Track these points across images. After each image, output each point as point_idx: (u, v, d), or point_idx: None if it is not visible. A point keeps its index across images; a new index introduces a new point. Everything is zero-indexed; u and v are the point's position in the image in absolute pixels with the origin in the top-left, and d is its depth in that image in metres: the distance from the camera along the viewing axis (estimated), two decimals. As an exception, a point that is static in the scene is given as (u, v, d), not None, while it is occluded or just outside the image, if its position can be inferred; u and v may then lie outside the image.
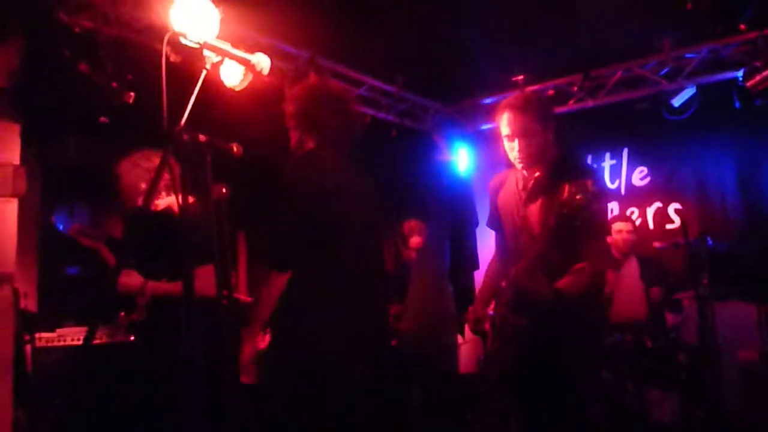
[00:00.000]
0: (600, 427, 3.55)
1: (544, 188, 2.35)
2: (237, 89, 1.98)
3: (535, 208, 2.35)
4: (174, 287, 2.53)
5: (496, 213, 2.61)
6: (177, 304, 2.45)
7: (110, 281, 2.18)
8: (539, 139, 2.35)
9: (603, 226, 2.49)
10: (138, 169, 2.69)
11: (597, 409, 3.56)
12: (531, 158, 2.37)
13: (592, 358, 2.42)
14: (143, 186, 2.68)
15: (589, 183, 2.08)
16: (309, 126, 2.24)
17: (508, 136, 2.38)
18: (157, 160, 2.68)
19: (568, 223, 2.08)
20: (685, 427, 3.64)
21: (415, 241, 4.63)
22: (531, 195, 2.39)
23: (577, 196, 2.04)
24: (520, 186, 2.45)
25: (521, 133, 2.34)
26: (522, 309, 2.26)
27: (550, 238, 2.14)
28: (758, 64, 4.09)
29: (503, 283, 2.40)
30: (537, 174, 2.40)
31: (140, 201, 2.70)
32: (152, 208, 2.65)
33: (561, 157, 2.43)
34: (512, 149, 2.39)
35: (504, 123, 2.39)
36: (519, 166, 2.43)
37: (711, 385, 3.68)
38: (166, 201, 2.75)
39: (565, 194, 2.10)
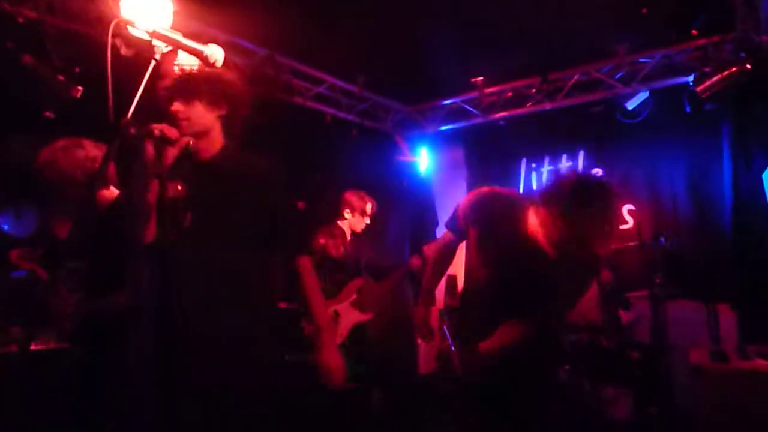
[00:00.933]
0: (558, 424, 3.59)
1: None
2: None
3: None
4: (110, 303, 2.40)
5: (485, 232, 2.34)
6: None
7: (44, 295, 2.06)
8: None
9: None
10: (71, 158, 2.49)
11: (555, 407, 3.60)
12: None
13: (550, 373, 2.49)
14: (78, 175, 2.49)
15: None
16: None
17: None
18: (91, 150, 2.52)
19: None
20: (640, 424, 3.72)
21: (368, 207, 4.41)
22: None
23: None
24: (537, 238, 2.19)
25: None
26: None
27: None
28: (708, 69, 4.22)
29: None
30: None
31: (74, 192, 2.52)
32: (96, 201, 2.52)
33: None
34: None
35: None
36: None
37: (663, 382, 3.76)
38: (110, 194, 2.63)
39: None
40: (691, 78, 4.42)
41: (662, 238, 4.04)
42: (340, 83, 5.17)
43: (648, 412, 3.70)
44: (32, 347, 3.28)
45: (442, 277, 2.63)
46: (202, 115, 1.94)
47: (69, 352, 2.82)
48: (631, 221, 5.19)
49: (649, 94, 4.86)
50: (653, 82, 4.80)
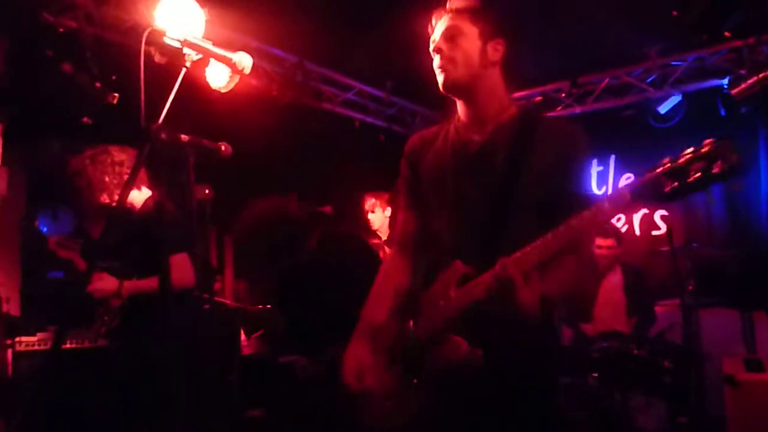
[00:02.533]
0: (585, 433, 3.55)
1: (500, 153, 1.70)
2: (223, 91, 1.96)
3: (483, 179, 1.71)
4: (149, 283, 2.52)
5: (414, 183, 1.88)
6: (153, 304, 2.44)
7: (80, 288, 2.15)
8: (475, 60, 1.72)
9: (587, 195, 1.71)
10: (99, 164, 2.64)
11: (582, 415, 3.56)
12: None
13: (550, 390, 1.71)
14: (107, 180, 2.63)
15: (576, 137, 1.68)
16: None
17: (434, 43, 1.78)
18: (117, 155, 2.65)
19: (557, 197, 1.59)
20: (670, 433, 3.65)
21: (388, 210, 4.33)
22: (474, 162, 1.73)
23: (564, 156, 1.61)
24: (455, 147, 1.79)
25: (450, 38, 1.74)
26: (497, 328, 1.52)
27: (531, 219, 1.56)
28: (743, 72, 4.13)
29: (453, 293, 1.60)
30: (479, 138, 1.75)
31: (104, 196, 2.65)
32: (127, 203, 2.62)
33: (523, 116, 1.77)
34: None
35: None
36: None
37: (695, 391, 3.68)
38: (141, 196, 2.73)
39: (543, 157, 1.61)
40: (725, 81, 4.34)
41: (694, 244, 3.96)
42: (368, 89, 5.22)
43: (679, 421, 3.62)
44: (67, 345, 3.41)
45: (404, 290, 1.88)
46: None
47: (107, 348, 2.92)
48: (663, 227, 5.10)
49: (682, 97, 4.77)
50: (686, 85, 4.72)
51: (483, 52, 1.71)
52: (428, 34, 1.80)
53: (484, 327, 1.53)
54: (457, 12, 1.73)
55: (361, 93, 5.24)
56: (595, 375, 3.64)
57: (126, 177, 2.58)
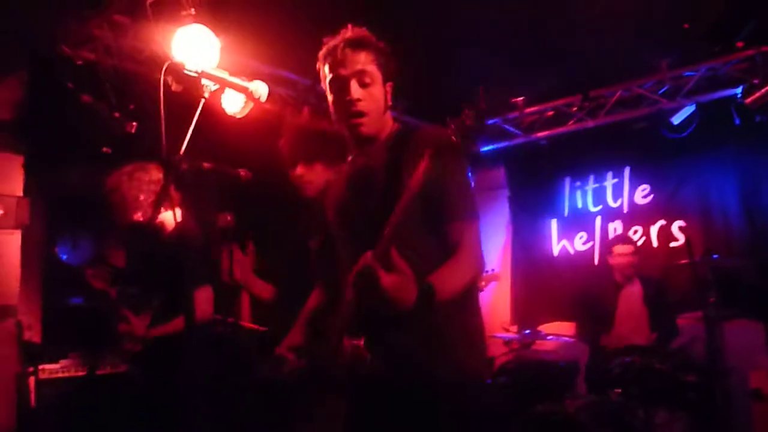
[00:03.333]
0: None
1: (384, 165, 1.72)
2: (238, 117, 2.00)
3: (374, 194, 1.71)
4: (174, 325, 2.52)
5: (323, 222, 1.94)
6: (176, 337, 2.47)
7: (110, 323, 2.19)
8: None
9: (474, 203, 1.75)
10: (135, 181, 2.66)
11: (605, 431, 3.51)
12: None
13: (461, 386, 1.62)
14: (142, 198, 2.65)
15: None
16: None
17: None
18: (154, 173, 2.67)
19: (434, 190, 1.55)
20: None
21: None
22: (357, 183, 1.77)
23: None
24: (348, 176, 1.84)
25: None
26: (373, 320, 1.49)
27: (409, 209, 1.49)
28: (756, 80, 4.11)
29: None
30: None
31: (138, 214, 2.66)
32: (157, 222, 2.64)
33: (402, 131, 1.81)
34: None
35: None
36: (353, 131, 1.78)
37: (720, 406, 3.61)
38: (172, 217, 2.75)
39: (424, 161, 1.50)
40: (739, 90, 4.32)
41: (715, 255, 3.91)
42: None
43: (705, 437, 3.56)
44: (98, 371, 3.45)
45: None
46: (321, 174, 2.21)
47: (128, 374, 2.95)
48: (681, 238, 5.05)
49: (696, 107, 4.75)
50: (699, 95, 4.70)
51: (385, 98, 1.75)
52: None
53: (371, 325, 1.52)
54: (366, 54, 1.71)
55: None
56: (618, 391, 3.59)
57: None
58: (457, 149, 1.62)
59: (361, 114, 1.68)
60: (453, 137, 1.60)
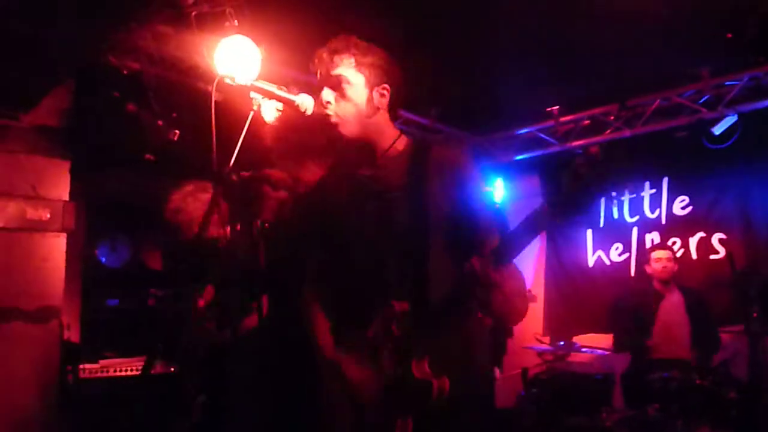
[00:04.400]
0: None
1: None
2: (271, 123, 2.04)
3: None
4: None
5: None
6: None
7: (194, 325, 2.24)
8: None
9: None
10: (199, 201, 2.78)
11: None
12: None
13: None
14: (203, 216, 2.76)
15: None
16: None
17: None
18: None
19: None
20: (738, 467, 3.48)
21: None
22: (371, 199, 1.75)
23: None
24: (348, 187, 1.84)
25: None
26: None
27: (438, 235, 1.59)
28: (802, 90, 4.01)
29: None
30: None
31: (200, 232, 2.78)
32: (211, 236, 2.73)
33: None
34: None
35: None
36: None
37: (763, 423, 3.52)
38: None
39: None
40: (783, 100, 4.22)
41: (758, 268, 3.81)
42: (413, 117, 5.27)
43: (747, 455, 3.46)
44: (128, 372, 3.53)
45: None
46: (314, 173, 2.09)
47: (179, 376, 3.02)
48: (722, 251, 4.94)
49: (738, 117, 4.64)
50: (741, 105, 4.59)
51: (370, 100, 1.75)
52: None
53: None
54: (341, 58, 1.73)
55: (407, 121, 5.30)
56: (656, 406, 3.52)
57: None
58: (479, 175, 1.74)
59: (332, 117, 1.72)
60: (468, 157, 1.71)
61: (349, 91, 1.73)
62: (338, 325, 1.77)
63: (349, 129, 1.74)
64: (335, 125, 1.73)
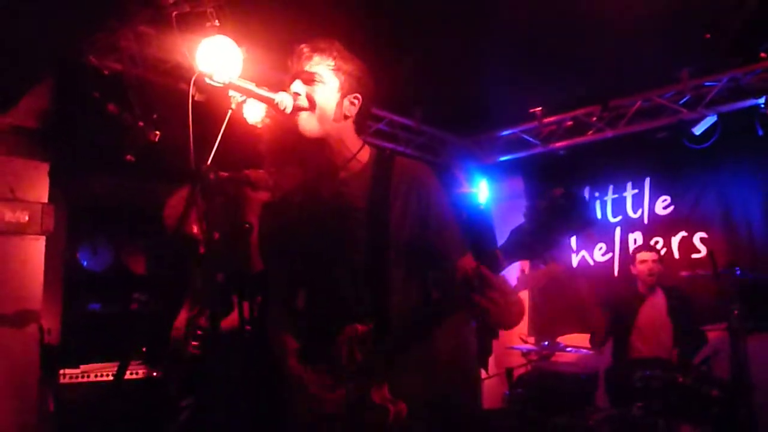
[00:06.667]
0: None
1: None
2: (259, 126, 2.01)
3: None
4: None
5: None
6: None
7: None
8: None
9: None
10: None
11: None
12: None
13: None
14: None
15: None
16: None
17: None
18: None
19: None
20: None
21: None
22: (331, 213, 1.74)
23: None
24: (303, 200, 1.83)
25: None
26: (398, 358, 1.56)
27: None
28: (780, 91, 4.07)
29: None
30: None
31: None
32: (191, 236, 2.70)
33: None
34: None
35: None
36: None
37: (744, 421, 3.55)
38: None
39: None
40: (762, 100, 4.27)
41: (738, 267, 3.85)
42: (398, 118, 5.27)
43: (729, 452, 3.49)
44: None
45: None
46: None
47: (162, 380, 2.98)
48: (703, 250, 5.00)
49: (717, 118, 4.70)
50: (721, 105, 4.65)
51: (339, 105, 1.72)
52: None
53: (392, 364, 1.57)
54: (321, 57, 1.71)
55: (391, 123, 5.30)
56: (639, 405, 3.54)
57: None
58: (441, 190, 1.72)
59: (299, 109, 1.68)
60: (430, 173, 1.71)
61: (321, 90, 1.70)
62: (303, 340, 1.76)
63: (311, 127, 1.70)
64: (298, 120, 1.69)
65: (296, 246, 1.78)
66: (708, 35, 3.46)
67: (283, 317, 1.82)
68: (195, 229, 2.72)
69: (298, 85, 1.71)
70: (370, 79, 1.79)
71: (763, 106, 4.25)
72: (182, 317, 2.73)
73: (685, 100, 4.76)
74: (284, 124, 1.74)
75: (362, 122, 1.80)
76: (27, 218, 3.46)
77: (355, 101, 1.76)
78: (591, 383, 4.13)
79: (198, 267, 2.62)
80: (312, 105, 1.69)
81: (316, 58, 1.71)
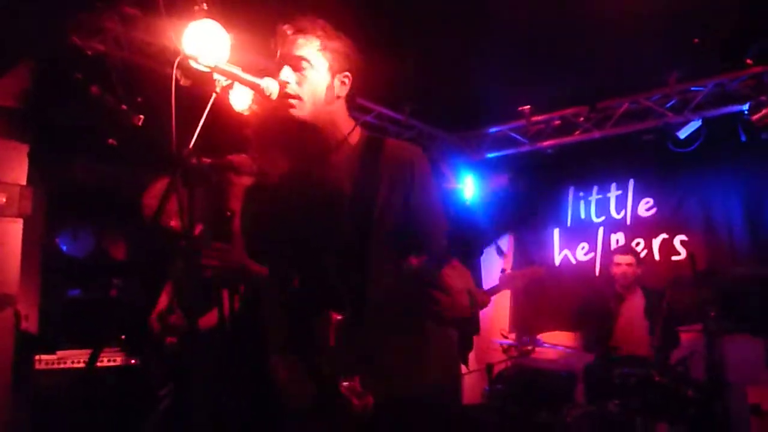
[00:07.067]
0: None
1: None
2: (245, 113, 1.98)
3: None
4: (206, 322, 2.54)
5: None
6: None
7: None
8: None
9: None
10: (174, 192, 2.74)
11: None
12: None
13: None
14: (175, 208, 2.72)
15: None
16: None
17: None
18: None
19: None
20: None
21: None
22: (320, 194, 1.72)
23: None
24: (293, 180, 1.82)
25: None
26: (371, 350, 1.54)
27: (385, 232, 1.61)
28: (764, 98, 4.11)
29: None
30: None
31: (174, 221, 2.72)
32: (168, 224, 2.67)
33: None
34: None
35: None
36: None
37: (719, 421, 3.60)
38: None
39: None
40: (746, 106, 4.31)
41: (717, 270, 3.90)
42: (387, 112, 5.25)
43: (703, 452, 3.54)
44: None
45: None
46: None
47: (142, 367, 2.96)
48: (684, 252, 5.05)
49: (702, 122, 4.74)
50: (706, 110, 4.69)
51: (330, 87, 1.70)
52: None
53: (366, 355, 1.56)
54: (306, 39, 1.67)
55: (380, 116, 5.27)
56: (617, 402, 3.58)
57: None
58: (430, 173, 1.71)
59: (289, 97, 1.65)
60: (421, 155, 1.68)
61: (310, 74, 1.67)
62: (285, 330, 1.73)
63: (303, 114, 1.67)
64: (290, 106, 1.66)
65: (284, 233, 1.76)
66: (696, 40, 3.49)
67: (272, 307, 1.81)
68: (173, 222, 2.70)
69: (287, 73, 1.68)
70: (358, 54, 1.76)
71: (747, 112, 4.29)
72: (161, 305, 2.71)
73: (671, 103, 4.79)
74: (271, 110, 1.71)
75: (353, 99, 1.77)
76: (4, 200, 3.39)
77: (346, 80, 1.73)
78: (570, 380, 4.16)
79: (177, 260, 2.59)
80: (303, 91, 1.66)
81: (301, 40, 1.67)
